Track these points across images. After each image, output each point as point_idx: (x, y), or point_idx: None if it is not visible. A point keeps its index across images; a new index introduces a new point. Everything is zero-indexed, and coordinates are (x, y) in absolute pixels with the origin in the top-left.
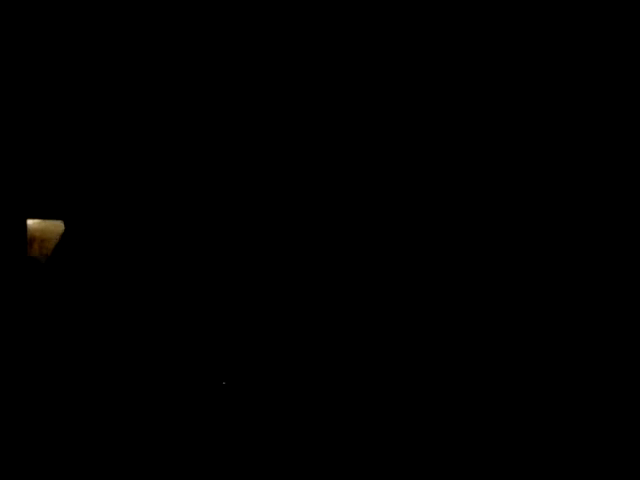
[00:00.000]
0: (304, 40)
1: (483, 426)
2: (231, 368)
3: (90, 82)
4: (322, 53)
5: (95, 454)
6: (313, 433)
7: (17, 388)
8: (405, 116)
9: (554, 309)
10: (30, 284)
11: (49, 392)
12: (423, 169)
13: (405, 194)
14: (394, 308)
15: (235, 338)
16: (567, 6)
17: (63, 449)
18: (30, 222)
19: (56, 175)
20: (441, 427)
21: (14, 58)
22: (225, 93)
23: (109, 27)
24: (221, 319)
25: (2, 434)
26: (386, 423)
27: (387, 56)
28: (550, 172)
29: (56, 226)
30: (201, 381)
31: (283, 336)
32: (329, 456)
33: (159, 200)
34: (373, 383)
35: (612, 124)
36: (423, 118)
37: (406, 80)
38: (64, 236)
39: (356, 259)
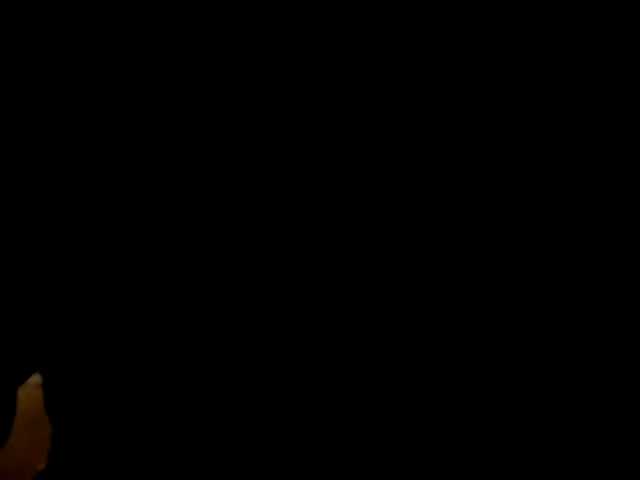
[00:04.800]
0: (303, 40)
1: (483, 426)
2: (231, 368)
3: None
4: (322, 53)
5: (95, 453)
6: (313, 433)
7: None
8: (405, 116)
9: (554, 309)
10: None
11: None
12: (423, 169)
13: (405, 194)
14: (394, 308)
15: (234, 338)
16: (567, 6)
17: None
18: None
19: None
20: (441, 427)
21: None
22: (225, 93)
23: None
24: (220, 319)
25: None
26: (386, 423)
27: (387, 56)
28: (550, 172)
29: None
30: (201, 381)
31: (283, 336)
32: (329, 456)
33: (157, 200)
34: (373, 383)
35: (612, 124)
36: (423, 118)
37: (406, 80)
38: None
39: (356, 259)
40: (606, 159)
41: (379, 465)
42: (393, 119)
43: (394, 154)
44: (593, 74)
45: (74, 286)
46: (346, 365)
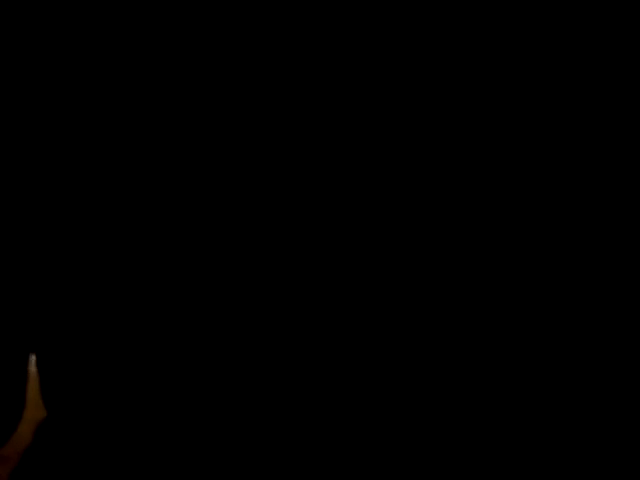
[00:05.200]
0: (303, 40)
1: (483, 426)
2: (231, 368)
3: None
4: (322, 53)
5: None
6: (313, 433)
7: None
8: (405, 116)
9: (554, 309)
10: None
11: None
12: (423, 169)
13: (405, 194)
14: (394, 308)
15: (234, 338)
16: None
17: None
18: None
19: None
20: (441, 427)
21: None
22: (225, 93)
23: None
24: (220, 319)
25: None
26: (386, 423)
27: (386, 56)
28: (550, 172)
29: None
30: (201, 381)
31: (283, 336)
32: (329, 456)
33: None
34: (373, 383)
35: (612, 124)
36: (423, 118)
37: (406, 80)
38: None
39: (356, 259)
40: (606, 159)
41: (379, 465)
42: (393, 119)
43: (394, 154)
44: (593, 74)
45: (73, 278)
46: (346, 365)
